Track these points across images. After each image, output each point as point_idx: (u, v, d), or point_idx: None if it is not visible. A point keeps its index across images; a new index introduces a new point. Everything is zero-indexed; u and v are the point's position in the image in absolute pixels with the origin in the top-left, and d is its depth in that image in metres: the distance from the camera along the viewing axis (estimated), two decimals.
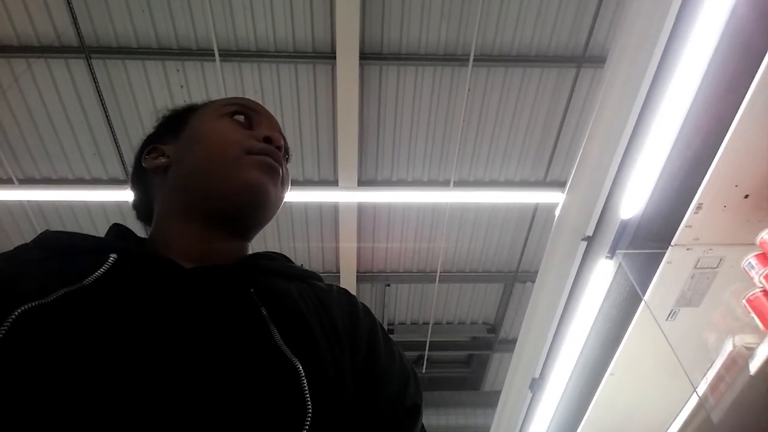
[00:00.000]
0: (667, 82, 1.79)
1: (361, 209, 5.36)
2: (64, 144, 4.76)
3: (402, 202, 5.26)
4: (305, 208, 5.33)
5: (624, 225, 2.05)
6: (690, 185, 1.73)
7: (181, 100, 4.48)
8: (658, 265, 1.92)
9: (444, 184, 5.21)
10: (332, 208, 5.32)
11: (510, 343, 6.64)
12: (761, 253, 1.68)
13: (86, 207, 4.98)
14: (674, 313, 2.07)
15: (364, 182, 5.20)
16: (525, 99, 4.85)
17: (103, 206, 4.93)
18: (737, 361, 1.67)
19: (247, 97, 0.97)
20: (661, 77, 1.82)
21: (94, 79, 4.42)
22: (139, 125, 4.68)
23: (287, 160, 0.93)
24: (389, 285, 6.22)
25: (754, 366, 1.56)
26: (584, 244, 2.24)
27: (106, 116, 4.62)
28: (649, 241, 1.98)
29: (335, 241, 5.60)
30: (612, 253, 2.12)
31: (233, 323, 0.68)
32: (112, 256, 0.70)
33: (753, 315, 1.65)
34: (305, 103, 4.73)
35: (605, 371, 2.33)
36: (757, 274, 1.65)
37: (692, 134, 1.76)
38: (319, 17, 4.33)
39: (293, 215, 5.38)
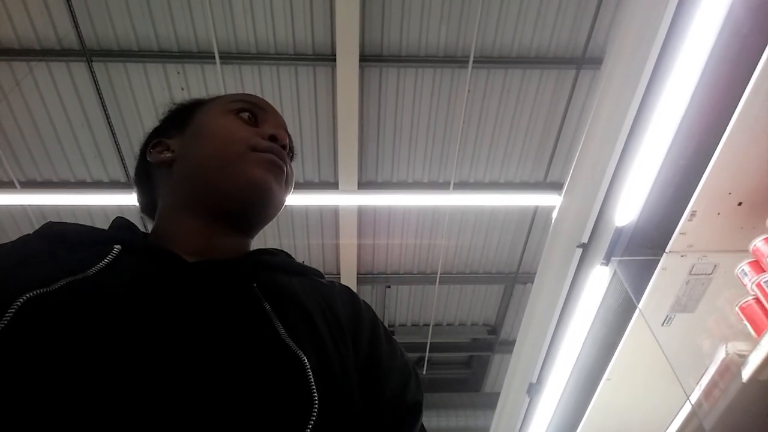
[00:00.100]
0: (660, 90, 1.79)
1: (362, 211, 5.37)
2: (65, 146, 4.78)
3: (402, 205, 5.27)
4: (306, 209, 5.34)
5: (619, 232, 2.06)
6: (684, 193, 1.73)
7: None
8: (653, 272, 1.93)
9: (444, 185, 5.21)
10: (333, 209, 5.32)
11: (510, 345, 6.63)
12: (754, 261, 1.68)
13: (88, 210, 5.00)
14: (670, 318, 2.08)
15: (364, 184, 5.21)
16: (525, 100, 4.86)
17: (104, 209, 4.95)
18: (730, 367, 1.68)
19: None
20: (655, 85, 1.82)
21: (95, 81, 4.44)
22: (140, 127, 4.69)
23: (292, 158, 0.94)
24: (390, 286, 6.23)
25: (746, 373, 1.56)
26: (579, 251, 2.25)
27: (107, 119, 4.63)
28: (644, 247, 1.99)
29: (336, 243, 5.61)
30: (607, 260, 2.13)
31: (236, 317, 0.68)
32: (117, 247, 0.71)
33: (745, 322, 1.66)
34: (305, 105, 4.75)
35: (602, 376, 2.33)
36: (750, 281, 1.66)
37: (686, 142, 1.77)
38: (319, 19, 4.33)
39: (294, 216, 5.39)
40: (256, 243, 0.91)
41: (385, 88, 4.74)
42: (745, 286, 1.69)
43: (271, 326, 0.69)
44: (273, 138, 0.86)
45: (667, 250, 1.85)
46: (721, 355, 1.72)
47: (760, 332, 1.58)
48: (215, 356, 0.62)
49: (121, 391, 0.55)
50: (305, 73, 4.59)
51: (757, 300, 1.63)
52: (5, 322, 0.56)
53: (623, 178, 2.02)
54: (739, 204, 1.73)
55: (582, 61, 4.65)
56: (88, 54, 4.32)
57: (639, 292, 2.01)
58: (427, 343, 6.32)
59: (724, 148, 1.60)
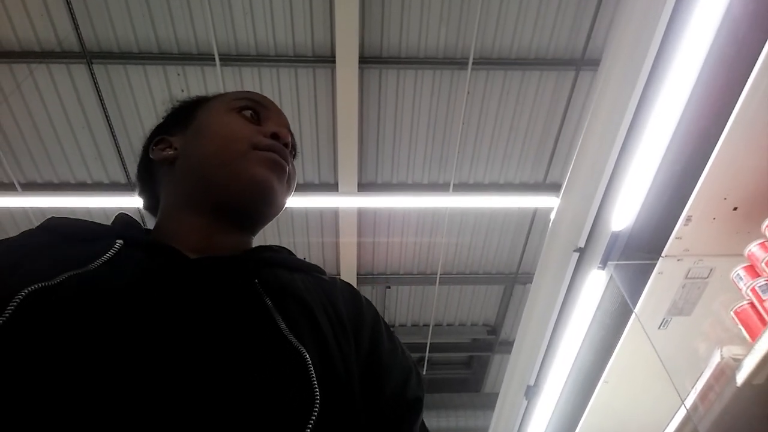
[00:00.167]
0: (656, 96, 1.80)
1: (362, 211, 5.37)
2: (65, 148, 4.79)
3: (402, 207, 5.28)
4: (306, 210, 5.34)
5: (615, 236, 2.07)
6: (679, 198, 1.74)
7: None
8: (650, 276, 1.94)
9: (444, 186, 5.22)
10: (333, 210, 5.32)
11: (510, 345, 6.60)
12: (749, 265, 1.69)
13: (88, 212, 5.01)
14: (666, 321, 2.09)
15: (364, 185, 5.21)
16: (524, 102, 4.86)
17: (105, 211, 4.96)
18: (725, 371, 1.69)
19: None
20: (651, 91, 1.84)
21: (95, 83, 4.45)
22: (140, 129, 4.70)
23: (294, 156, 0.94)
24: (390, 287, 6.24)
25: (740, 377, 1.57)
26: (576, 255, 2.26)
27: (108, 121, 4.64)
28: (641, 252, 2.00)
29: (336, 243, 5.62)
30: (604, 264, 2.14)
31: (238, 312, 0.68)
32: (119, 242, 0.71)
33: (740, 327, 1.67)
34: (305, 107, 4.75)
35: (599, 379, 2.34)
36: (745, 285, 1.67)
37: (682, 147, 1.78)
38: (318, 21, 4.34)
39: (294, 217, 5.39)
40: (256, 243, 0.91)
41: (385, 89, 4.74)
42: (740, 290, 1.70)
43: (273, 322, 0.69)
44: (275, 136, 0.86)
45: (663, 254, 1.87)
46: (716, 359, 1.73)
47: (754, 337, 1.59)
48: (216, 352, 0.62)
49: (121, 385, 0.55)
50: (305, 74, 4.60)
51: (752, 305, 1.64)
52: (7, 315, 0.56)
53: (619, 183, 2.03)
54: (735, 209, 1.74)
55: (581, 62, 4.65)
56: (88, 56, 4.32)
57: (635, 295, 2.03)
58: (427, 343, 6.32)
59: (719, 154, 1.62)
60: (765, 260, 1.60)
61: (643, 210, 1.96)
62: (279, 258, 0.85)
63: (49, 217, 0.79)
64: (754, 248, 1.66)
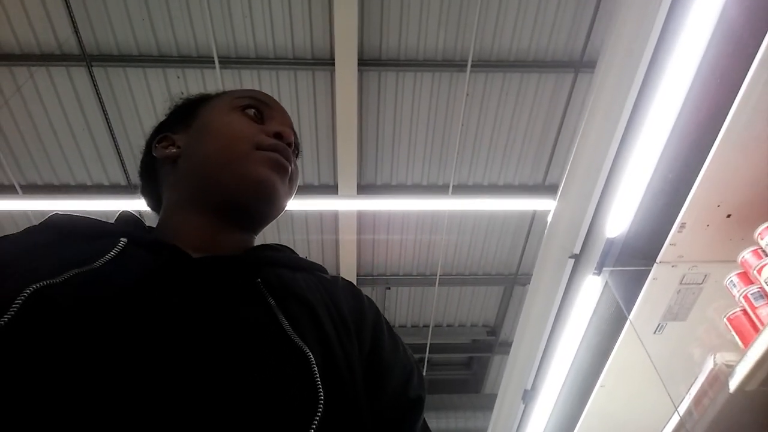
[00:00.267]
0: (648, 106, 1.81)
1: (361, 213, 5.38)
2: (65, 150, 4.81)
3: (401, 210, 5.29)
4: (306, 210, 5.35)
5: (610, 243, 2.08)
6: (673, 205, 1.75)
7: None
8: (645, 281, 1.95)
9: (443, 187, 5.23)
10: (332, 211, 5.34)
11: (510, 346, 6.66)
12: (743, 272, 1.70)
13: (88, 214, 5.03)
14: (662, 327, 2.10)
15: (363, 186, 5.22)
16: (523, 104, 4.87)
17: (105, 213, 4.98)
18: (719, 377, 1.69)
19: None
20: (644, 101, 1.84)
21: (95, 86, 4.46)
22: (140, 131, 4.71)
23: (297, 155, 0.94)
24: (389, 288, 6.25)
25: (733, 384, 1.58)
26: (572, 261, 2.27)
27: (108, 123, 4.66)
28: (635, 258, 2.01)
29: (335, 244, 5.64)
30: (599, 270, 2.15)
31: (241, 312, 0.68)
32: (123, 240, 0.70)
33: (733, 333, 1.67)
34: (305, 109, 4.77)
35: (596, 383, 2.35)
36: (738, 292, 1.67)
37: (675, 155, 1.79)
38: (317, 24, 4.35)
39: (294, 218, 5.41)
40: (257, 243, 0.91)
41: (384, 91, 4.75)
42: (733, 297, 1.71)
43: (276, 322, 0.68)
44: (279, 136, 0.86)
45: (657, 260, 1.87)
46: (709, 365, 1.74)
47: (747, 343, 1.60)
48: (221, 352, 0.62)
49: (126, 385, 0.55)
50: (304, 77, 4.61)
51: (745, 312, 1.65)
52: (12, 312, 0.56)
53: (614, 190, 2.04)
54: (728, 216, 1.75)
55: (580, 64, 4.66)
56: (88, 59, 4.34)
57: (631, 300, 2.04)
58: (426, 344, 6.33)
59: (712, 162, 1.63)
60: (757, 267, 1.61)
61: (638, 217, 1.97)
62: (281, 257, 0.86)
63: (53, 213, 0.78)
64: (747, 255, 1.67)
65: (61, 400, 0.53)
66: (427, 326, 6.48)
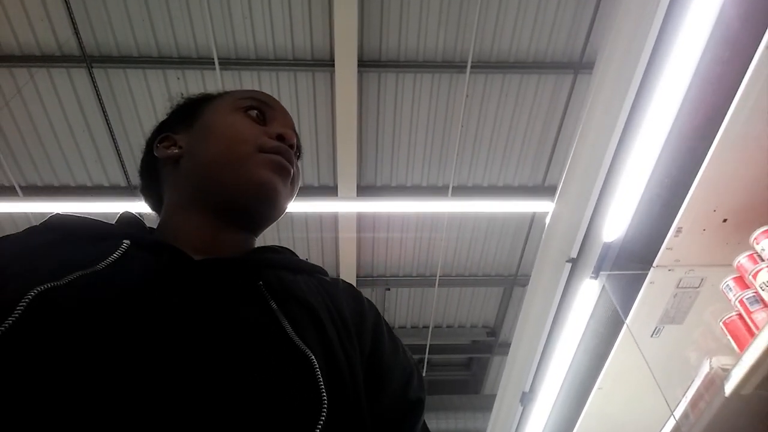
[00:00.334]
0: (645, 110, 1.82)
1: (361, 213, 5.39)
2: (66, 151, 4.82)
3: (401, 212, 5.30)
4: (305, 212, 5.36)
5: (607, 247, 2.09)
6: (670, 210, 1.76)
7: None
8: (642, 285, 1.96)
9: (443, 188, 5.23)
10: (332, 212, 5.35)
11: (510, 347, 6.66)
12: (738, 276, 1.70)
13: (89, 215, 5.04)
14: (659, 330, 2.10)
15: (363, 187, 5.23)
16: (523, 105, 4.88)
17: (105, 215, 4.99)
18: (715, 381, 1.70)
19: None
20: (640, 107, 1.85)
21: (95, 87, 4.47)
22: (140, 133, 4.72)
23: (299, 157, 0.93)
24: (389, 288, 6.26)
25: (729, 388, 1.58)
26: (569, 265, 2.28)
27: (108, 124, 4.67)
28: (632, 262, 2.01)
29: (335, 245, 5.64)
30: (596, 274, 2.16)
31: (244, 315, 0.68)
32: (126, 243, 0.70)
33: (729, 337, 1.68)
34: (304, 110, 4.78)
35: (593, 385, 2.36)
36: (734, 296, 1.68)
37: (671, 160, 1.79)
38: (317, 25, 4.36)
39: (294, 219, 5.42)
40: (257, 244, 0.92)
41: (384, 93, 4.76)
42: (729, 301, 1.72)
43: (279, 326, 0.68)
44: (281, 138, 0.86)
45: (654, 264, 1.88)
46: (705, 368, 1.74)
47: (742, 347, 1.60)
48: (225, 356, 0.62)
49: (130, 388, 0.55)
50: (304, 78, 4.62)
51: (740, 316, 1.65)
52: (16, 315, 0.55)
53: (611, 194, 2.04)
54: (724, 221, 1.75)
55: (579, 65, 4.67)
56: (88, 60, 4.35)
57: (628, 304, 2.04)
58: (426, 345, 6.34)
59: (708, 167, 1.63)
60: (753, 272, 1.61)
61: (634, 221, 1.97)
62: (282, 259, 0.86)
63: (54, 214, 0.78)
64: (742, 260, 1.67)
65: (65, 403, 0.53)
66: (426, 327, 6.48)
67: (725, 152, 1.60)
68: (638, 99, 1.86)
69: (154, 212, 0.95)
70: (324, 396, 0.63)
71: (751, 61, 1.48)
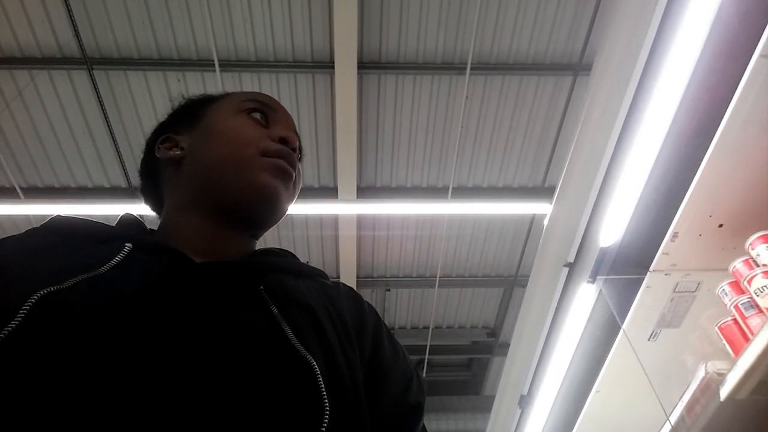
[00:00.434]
0: (641, 118, 1.82)
1: (361, 215, 5.39)
2: (66, 153, 4.83)
3: (401, 213, 5.31)
4: (306, 213, 5.36)
5: (604, 252, 2.10)
6: (666, 215, 1.77)
7: None
8: (638, 289, 1.97)
9: (443, 189, 5.23)
10: (333, 213, 5.35)
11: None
12: (734, 281, 1.71)
13: (89, 217, 5.05)
14: (656, 333, 2.11)
15: (363, 189, 5.23)
16: (522, 106, 4.87)
17: (106, 216, 5.01)
18: (710, 385, 1.71)
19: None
20: (636, 114, 1.85)
21: (96, 89, 4.48)
22: (141, 134, 4.73)
23: (300, 159, 0.93)
24: (389, 289, 6.26)
25: (724, 392, 1.59)
26: (566, 270, 2.29)
27: (108, 126, 4.67)
28: (629, 266, 2.02)
29: (335, 246, 5.64)
30: (593, 278, 2.17)
31: (246, 321, 0.68)
32: (128, 246, 0.70)
33: (724, 342, 1.69)
34: (304, 112, 4.78)
35: (591, 389, 2.37)
36: (729, 301, 1.69)
37: (667, 166, 1.80)
38: (317, 27, 4.36)
39: (294, 220, 5.42)
40: (257, 246, 0.92)
41: (384, 94, 4.76)
42: (725, 305, 1.72)
43: (281, 331, 0.68)
44: (283, 141, 0.86)
45: (651, 269, 1.89)
46: (701, 373, 1.75)
47: (737, 352, 1.61)
48: (226, 361, 0.62)
49: (132, 393, 0.55)
50: (304, 80, 4.62)
51: (735, 321, 1.66)
52: (19, 319, 0.55)
53: (607, 199, 2.05)
54: (720, 225, 1.76)
55: (579, 67, 4.66)
56: (89, 62, 4.35)
57: (625, 308, 2.05)
58: (426, 345, 6.34)
59: (704, 172, 1.64)
60: (748, 278, 1.62)
61: (631, 226, 1.98)
62: (283, 263, 0.86)
63: (55, 215, 0.77)
64: (738, 265, 1.68)
65: (68, 407, 0.53)
66: (426, 328, 6.48)
67: (721, 158, 1.61)
68: (634, 105, 1.87)
69: (154, 213, 0.95)
70: (326, 402, 0.63)
71: (746, 67, 1.49)
